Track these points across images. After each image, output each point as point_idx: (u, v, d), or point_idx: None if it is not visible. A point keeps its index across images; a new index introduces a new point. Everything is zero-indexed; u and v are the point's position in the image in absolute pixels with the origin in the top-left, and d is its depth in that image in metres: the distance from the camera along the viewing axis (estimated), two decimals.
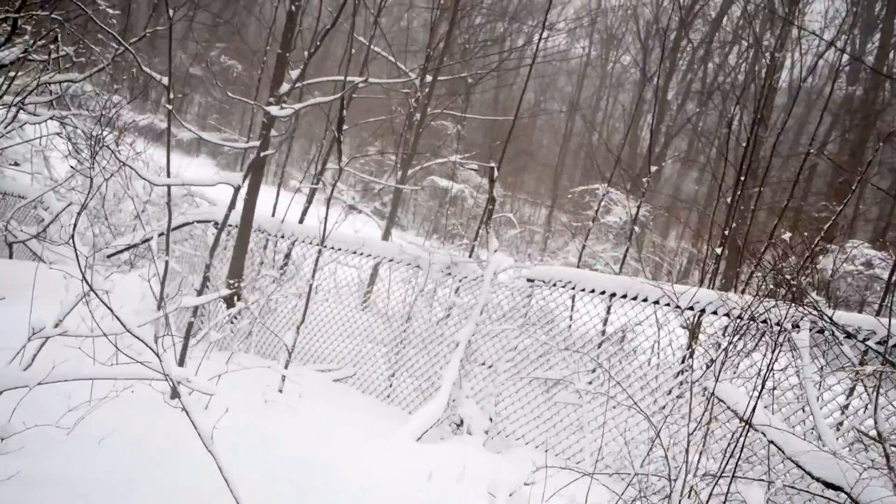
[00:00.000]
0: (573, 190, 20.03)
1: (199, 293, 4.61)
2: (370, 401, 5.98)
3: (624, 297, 5.12)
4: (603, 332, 5.61)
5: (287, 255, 6.54)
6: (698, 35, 33.56)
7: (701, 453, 3.07)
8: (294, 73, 4.60)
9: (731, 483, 2.55)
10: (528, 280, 5.70)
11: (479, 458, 4.70)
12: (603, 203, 19.20)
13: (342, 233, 6.26)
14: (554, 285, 5.53)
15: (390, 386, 6.04)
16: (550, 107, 32.97)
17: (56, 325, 3.28)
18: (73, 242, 2.91)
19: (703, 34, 33.34)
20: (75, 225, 2.93)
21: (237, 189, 4.44)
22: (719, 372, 3.20)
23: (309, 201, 6.69)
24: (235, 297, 6.06)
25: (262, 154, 4.79)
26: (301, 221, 6.44)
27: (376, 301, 6.64)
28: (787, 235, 5.96)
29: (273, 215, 7.12)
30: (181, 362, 4.53)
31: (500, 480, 4.01)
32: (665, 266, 22.14)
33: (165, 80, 4.77)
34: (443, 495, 3.96)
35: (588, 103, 35.99)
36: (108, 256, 6.10)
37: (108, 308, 2.69)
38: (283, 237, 6.42)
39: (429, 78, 9.33)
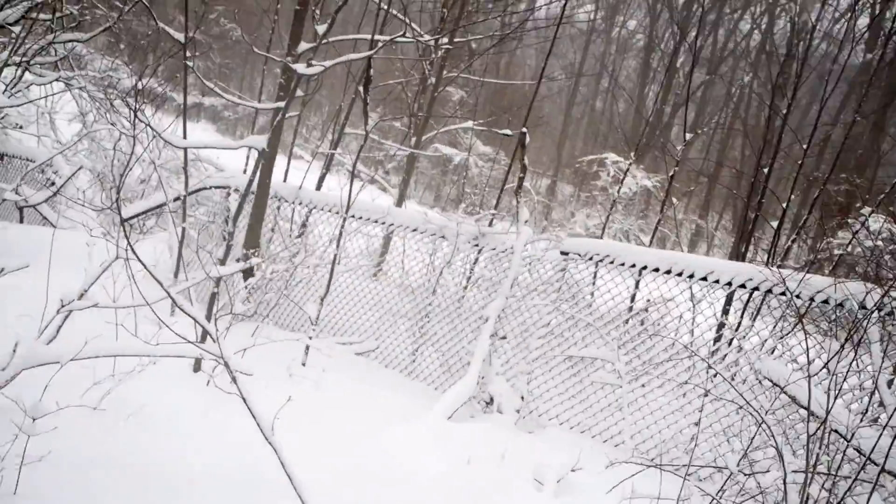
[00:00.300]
0: (582, 159, 19.67)
1: (223, 262, 4.36)
2: (394, 376, 5.77)
3: (668, 272, 4.87)
4: (630, 309, 5.39)
5: (304, 224, 6.27)
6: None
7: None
8: (320, 29, 4.27)
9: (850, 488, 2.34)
10: (562, 253, 5.45)
11: (516, 441, 4.50)
12: (612, 173, 18.96)
13: (361, 201, 5.99)
14: (590, 259, 5.28)
15: (413, 361, 5.83)
16: (553, 74, 32.38)
17: (81, 296, 3.03)
18: (94, 205, 2.64)
19: None
20: (118, 188, 2.67)
21: (262, 153, 4.15)
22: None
23: (327, 167, 6.40)
24: (254, 268, 5.81)
25: (286, 115, 4.49)
26: (318, 188, 6.16)
27: (389, 272, 6.38)
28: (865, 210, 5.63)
29: (285, 182, 6.83)
30: (203, 337, 4.29)
31: (544, 465, 3.80)
32: (672, 238, 21.88)
33: (181, 37, 4.46)
34: (485, 482, 3.76)
35: (592, 70, 35.38)
36: (123, 221, 5.81)
37: (155, 278, 2.44)
38: (300, 204, 6.14)
39: (444, 44, 8.96)
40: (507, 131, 5.65)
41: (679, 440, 4.43)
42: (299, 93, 4.44)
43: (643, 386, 4.92)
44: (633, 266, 5.04)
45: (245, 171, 7.21)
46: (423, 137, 8.97)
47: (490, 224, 6.12)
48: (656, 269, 4.96)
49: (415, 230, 5.89)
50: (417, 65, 9.53)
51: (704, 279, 4.70)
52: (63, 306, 2.80)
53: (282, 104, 4.39)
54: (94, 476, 2.85)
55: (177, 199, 5.54)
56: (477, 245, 5.75)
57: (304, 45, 5.44)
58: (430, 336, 5.75)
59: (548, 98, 31.48)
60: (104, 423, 3.41)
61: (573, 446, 4.68)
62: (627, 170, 9.25)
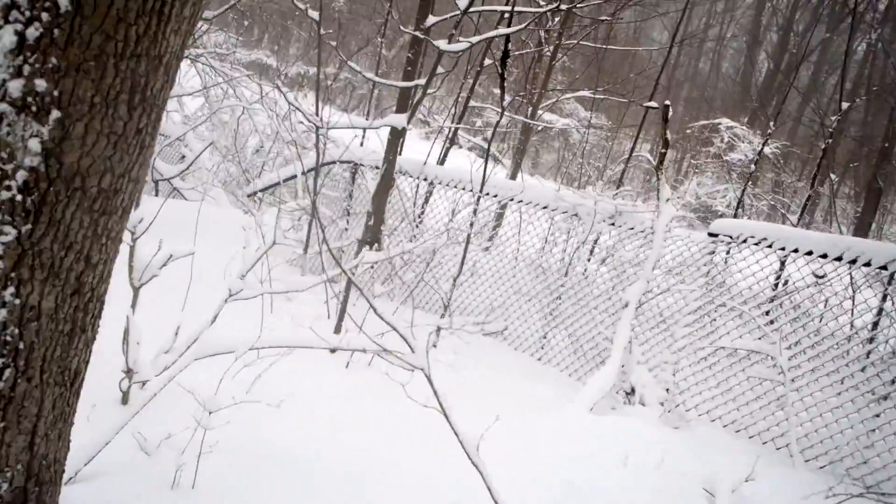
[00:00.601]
0: (693, 125, 18.72)
1: (364, 244, 4.24)
2: (524, 360, 5.57)
3: (839, 259, 4.42)
4: (772, 301, 4.96)
5: (426, 200, 6.10)
6: None
7: None
8: (461, 2, 4.02)
9: None
10: (710, 234, 5.06)
11: (668, 439, 4.21)
12: (727, 139, 17.97)
13: (490, 178, 5.76)
14: (744, 241, 4.87)
15: (542, 347, 5.60)
16: (652, 36, 30.93)
17: (241, 278, 2.96)
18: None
19: None
20: (284, 172, 2.55)
21: (402, 131, 3.97)
22: None
23: (451, 141, 6.19)
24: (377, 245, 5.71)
25: (427, 93, 4.29)
26: (441, 163, 5.97)
27: (502, 247, 6.12)
28: None
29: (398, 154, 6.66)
30: (338, 327, 4.20)
31: (714, 473, 3.51)
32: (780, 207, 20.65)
33: (315, 15, 4.30)
34: (645, 489, 3.50)
35: (696, 31, 33.62)
36: (249, 196, 5.85)
37: (357, 288, 2.30)
38: (425, 180, 5.97)
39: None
40: (653, 104, 5.27)
41: (858, 446, 4.04)
42: (440, 70, 4.23)
43: (810, 384, 4.51)
44: (796, 251, 4.61)
45: (362, 146, 7.12)
46: (540, 107, 8.64)
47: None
48: (824, 256, 4.51)
49: (545, 207, 5.62)
50: (532, 33, 9.13)
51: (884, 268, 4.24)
52: (231, 295, 2.72)
53: (421, 82, 4.20)
54: (264, 469, 2.78)
55: (304, 173, 5.46)
56: (613, 223, 5.43)
57: (431, 19, 5.22)
58: (562, 318, 5.51)
59: (649, 63, 30.18)
60: (257, 411, 3.35)
61: (728, 447, 4.36)
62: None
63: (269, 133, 7.33)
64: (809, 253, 4.54)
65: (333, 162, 5.84)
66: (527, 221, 5.67)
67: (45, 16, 1.37)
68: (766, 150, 18.28)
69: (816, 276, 4.96)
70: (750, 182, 20.44)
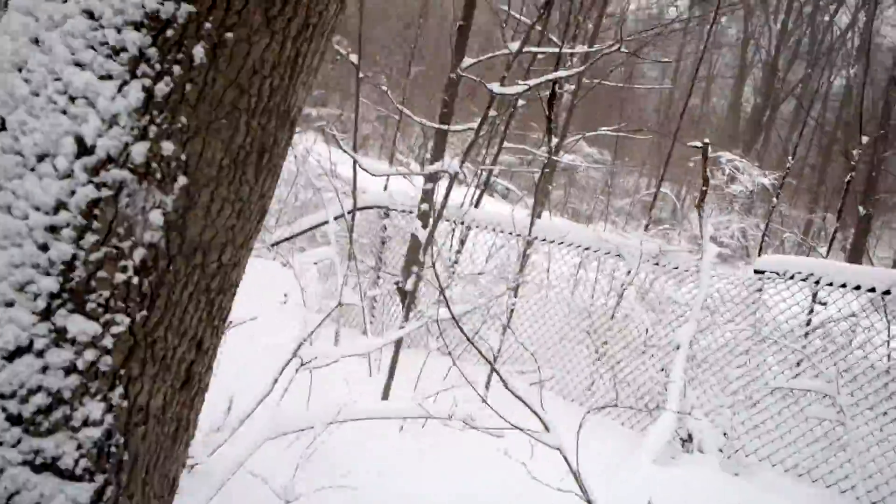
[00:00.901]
0: (693, 158, 18.74)
1: (404, 293, 4.04)
2: (572, 408, 5.33)
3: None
4: (807, 333, 4.79)
5: (462, 242, 5.93)
6: None
7: None
8: (513, 46, 3.90)
9: None
10: (756, 271, 4.90)
11: (734, 491, 3.99)
12: (727, 171, 18.01)
13: (521, 219, 5.61)
14: (791, 278, 4.71)
15: (591, 392, 5.39)
16: (647, 73, 31.26)
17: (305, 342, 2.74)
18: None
19: None
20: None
21: (454, 176, 3.82)
22: None
23: (485, 185, 6.05)
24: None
25: (479, 136, 4.14)
26: (476, 206, 5.83)
27: (548, 294, 5.93)
28: None
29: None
30: (387, 390, 3.97)
31: None
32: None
33: (354, 58, 4.17)
34: None
35: (685, 68, 34.04)
36: (273, 245, 5.66)
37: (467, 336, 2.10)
38: (462, 224, 5.79)
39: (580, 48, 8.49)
40: (697, 143, 5.15)
41: None
42: (492, 112, 4.11)
43: (870, 422, 4.33)
44: (859, 287, 4.44)
45: (386, 189, 6.96)
46: (563, 143, 8.56)
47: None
48: (887, 293, 4.35)
49: (587, 249, 5.46)
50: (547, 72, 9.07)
51: None
52: (303, 364, 2.50)
53: (473, 125, 4.06)
54: None
55: (336, 218, 5.29)
56: (657, 263, 5.26)
57: (468, 60, 5.14)
58: (610, 363, 5.30)
59: (643, 97, 30.44)
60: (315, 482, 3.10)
61: (792, 492, 4.17)
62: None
63: (286, 176, 7.16)
64: (872, 290, 4.37)
65: (369, 207, 5.66)
66: (567, 263, 5.50)
67: (176, 69, 1.19)
68: (765, 180, 18.33)
69: (821, 303, 4.85)
70: (752, 212, 20.44)
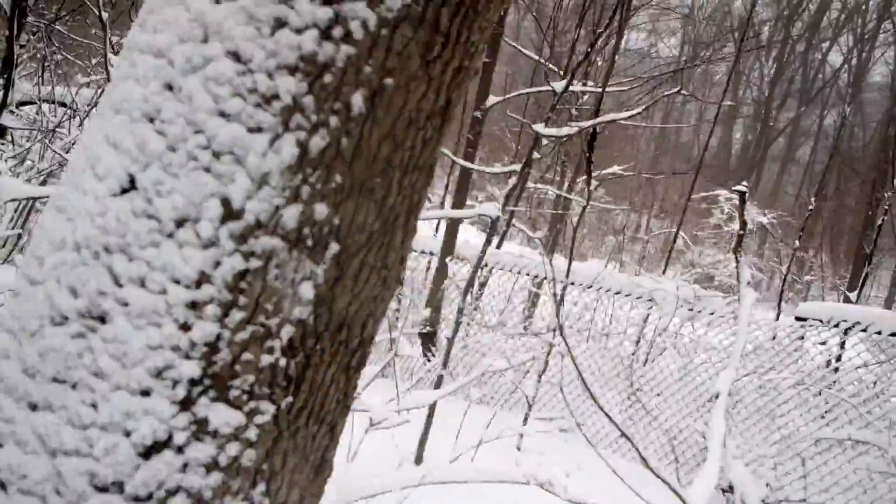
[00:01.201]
0: (692, 196, 18.77)
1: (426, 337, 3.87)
2: (604, 456, 5.14)
3: None
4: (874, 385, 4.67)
5: (483, 285, 5.78)
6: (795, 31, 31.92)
7: None
8: (557, 85, 3.80)
9: None
10: (797, 318, 4.78)
11: None
12: (726, 210, 18.06)
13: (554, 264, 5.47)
14: (836, 326, 4.59)
15: (623, 443, 5.20)
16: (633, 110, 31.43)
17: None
18: None
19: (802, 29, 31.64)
20: None
21: (496, 220, 3.68)
22: None
23: (508, 225, 5.92)
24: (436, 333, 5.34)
25: (524, 174, 4.02)
26: (499, 247, 5.70)
27: (578, 340, 5.78)
28: None
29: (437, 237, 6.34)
30: (423, 443, 3.78)
31: None
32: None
33: None
34: None
35: (673, 104, 34.37)
36: None
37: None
38: (485, 266, 5.65)
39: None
40: (742, 187, 5.05)
41: None
42: (535, 154, 4.00)
43: None
44: None
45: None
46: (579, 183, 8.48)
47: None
48: None
49: (617, 293, 5.33)
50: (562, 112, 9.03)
51: None
52: (372, 424, 2.32)
53: (516, 167, 3.94)
54: None
55: None
56: (692, 308, 5.13)
57: (492, 99, 5.05)
58: (643, 412, 5.13)
59: (625, 139, 30.65)
60: None
61: None
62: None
63: None
64: None
65: None
66: (599, 309, 5.36)
67: (333, 121, 1.03)
68: (764, 219, 18.42)
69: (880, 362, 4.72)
70: (750, 253, 20.47)
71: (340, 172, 1.05)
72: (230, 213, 1.00)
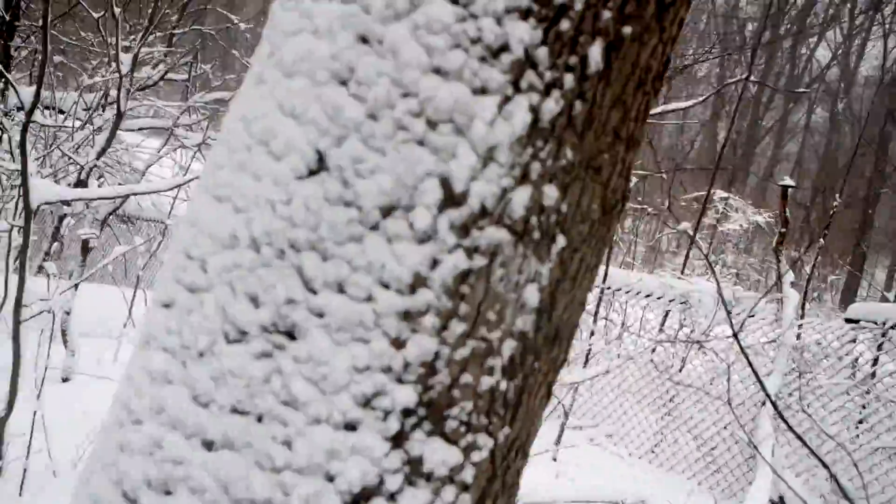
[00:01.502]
0: (685, 197, 18.74)
1: None
2: (638, 467, 4.95)
3: None
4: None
5: None
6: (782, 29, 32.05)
7: None
8: None
9: None
10: (848, 321, 4.61)
11: None
12: (721, 210, 18.01)
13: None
14: (893, 327, 4.43)
15: (656, 446, 5.01)
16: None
17: None
18: None
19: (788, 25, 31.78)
20: None
21: None
22: None
23: None
24: None
25: None
26: None
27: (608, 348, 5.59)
28: None
29: None
30: None
31: None
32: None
33: None
34: None
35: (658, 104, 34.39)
36: None
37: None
38: None
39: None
40: (790, 182, 4.90)
41: None
42: None
43: None
44: None
45: None
46: None
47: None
48: None
49: (648, 296, 5.15)
50: None
51: None
52: None
53: None
54: None
55: None
56: (730, 312, 4.94)
57: None
58: (680, 420, 4.94)
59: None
60: None
61: None
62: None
63: None
64: None
65: None
66: (629, 314, 5.17)
67: (568, 79, 0.82)
68: (760, 219, 18.41)
69: None
70: (745, 252, 20.47)
71: (571, 146, 0.84)
72: (451, 197, 0.79)
